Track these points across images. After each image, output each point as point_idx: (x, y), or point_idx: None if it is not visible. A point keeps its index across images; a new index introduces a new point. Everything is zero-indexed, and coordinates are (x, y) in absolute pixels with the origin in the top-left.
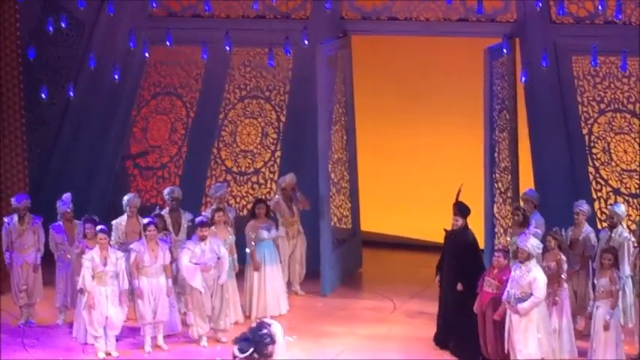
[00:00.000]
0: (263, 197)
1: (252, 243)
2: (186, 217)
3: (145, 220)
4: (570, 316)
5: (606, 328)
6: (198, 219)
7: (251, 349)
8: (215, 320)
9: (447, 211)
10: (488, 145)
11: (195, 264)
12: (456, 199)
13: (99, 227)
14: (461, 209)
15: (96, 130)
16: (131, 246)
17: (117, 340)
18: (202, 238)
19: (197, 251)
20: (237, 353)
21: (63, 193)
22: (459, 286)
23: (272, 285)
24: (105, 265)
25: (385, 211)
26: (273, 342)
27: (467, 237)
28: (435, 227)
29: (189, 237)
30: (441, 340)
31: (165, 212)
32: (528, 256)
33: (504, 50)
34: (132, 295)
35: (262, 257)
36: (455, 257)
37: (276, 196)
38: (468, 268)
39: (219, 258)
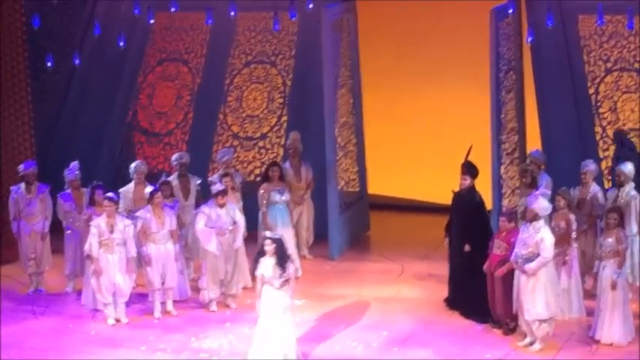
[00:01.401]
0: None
1: (265, 206)
2: (194, 182)
3: (150, 188)
4: (579, 276)
5: (613, 287)
6: (215, 187)
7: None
8: (227, 285)
9: (455, 172)
10: (495, 107)
11: (211, 228)
12: (465, 158)
13: (109, 194)
14: (469, 169)
15: (101, 97)
16: (137, 213)
17: (126, 307)
18: (222, 206)
19: (212, 215)
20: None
21: (70, 161)
22: (467, 247)
23: None
24: (112, 232)
25: (392, 173)
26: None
27: (474, 198)
28: (442, 189)
29: (197, 201)
30: (451, 301)
31: (173, 178)
32: (536, 216)
33: (510, 11)
34: (140, 261)
35: (275, 220)
36: (462, 218)
37: (286, 163)
38: (476, 229)
39: (234, 222)
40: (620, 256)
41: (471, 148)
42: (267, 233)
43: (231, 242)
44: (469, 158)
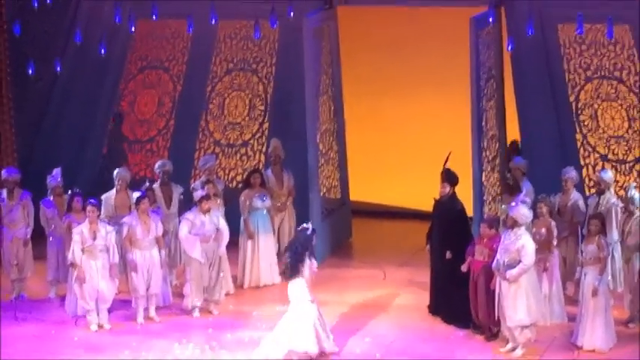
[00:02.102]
0: (258, 167)
1: (246, 212)
2: (177, 190)
3: (137, 194)
4: (560, 282)
5: (594, 294)
6: (198, 193)
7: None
8: (210, 291)
9: (436, 179)
10: (476, 114)
11: (195, 235)
12: (444, 165)
13: (89, 201)
14: (448, 176)
15: (84, 104)
16: (124, 220)
17: (109, 313)
18: (206, 211)
19: (197, 222)
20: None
21: (52, 168)
22: (448, 254)
23: (266, 254)
24: (94, 239)
25: (374, 180)
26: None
27: (455, 205)
28: (423, 195)
29: (180, 210)
30: (433, 308)
31: (155, 186)
32: (516, 223)
33: (490, 19)
34: (123, 267)
35: (256, 226)
36: (443, 225)
37: (268, 170)
38: (457, 236)
39: (218, 229)
40: (602, 263)
41: (449, 154)
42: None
43: (215, 249)
44: (449, 165)
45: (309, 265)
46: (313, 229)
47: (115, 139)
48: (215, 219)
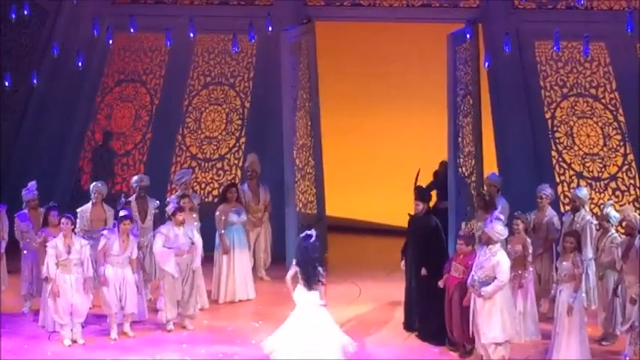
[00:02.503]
0: (234, 182)
1: (222, 227)
2: (153, 204)
3: (123, 213)
4: (534, 299)
5: (569, 312)
6: (170, 206)
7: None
8: (184, 305)
9: (411, 195)
10: (452, 130)
11: (169, 248)
12: (415, 183)
13: (64, 215)
14: (420, 194)
15: (60, 117)
16: (103, 232)
17: (83, 327)
18: (180, 223)
19: (170, 235)
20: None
21: (28, 180)
22: (423, 271)
23: (241, 269)
24: (69, 252)
25: (350, 196)
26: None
27: (429, 221)
28: (399, 212)
29: (155, 224)
30: (408, 325)
31: (131, 199)
32: (490, 240)
33: (467, 36)
34: (98, 282)
35: (232, 241)
36: (418, 242)
37: (244, 185)
38: (432, 253)
39: (192, 243)
40: (577, 280)
41: (419, 172)
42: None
43: (189, 263)
44: (420, 182)
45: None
46: (317, 235)
47: (101, 156)
48: (190, 232)
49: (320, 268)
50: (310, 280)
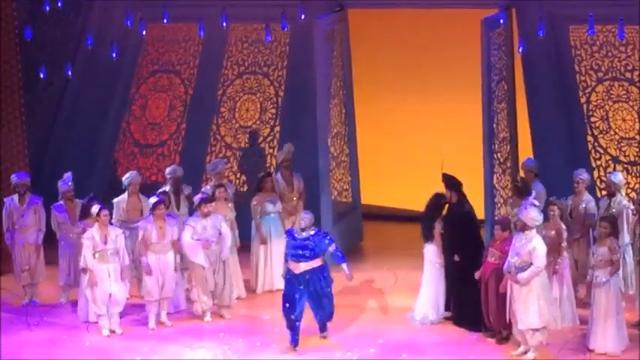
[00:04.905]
0: (270, 171)
1: (258, 216)
2: (187, 190)
3: (153, 199)
4: (571, 285)
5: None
6: (198, 196)
7: None
8: (219, 296)
9: None
10: (487, 116)
11: (197, 240)
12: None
13: (96, 206)
14: (447, 182)
15: (95, 108)
16: (139, 223)
17: (120, 318)
18: (206, 215)
19: (199, 228)
20: None
21: (63, 172)
22: (456, 257)
23: (278, 259)
24: (105, 243)
25: (385, 183)
26: None
27: (463, 208)
28: None
29: (190, 212)
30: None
31: (167, 189)
32: (525, 226)
33: (501, 21)
34: (136, 271)
35: (268, 231)
36: (451, 228)
37: (278, 174)
38: (466, 239)
39: (220, 234)
40: (614, 266)
41: (442, 163)
42: None
43: (218, 254)
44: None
45: (438, 230)
46: (443, 195)
47: (252, 154)
48: (217, 223)
49: (438, 225)
50: (423, 234)
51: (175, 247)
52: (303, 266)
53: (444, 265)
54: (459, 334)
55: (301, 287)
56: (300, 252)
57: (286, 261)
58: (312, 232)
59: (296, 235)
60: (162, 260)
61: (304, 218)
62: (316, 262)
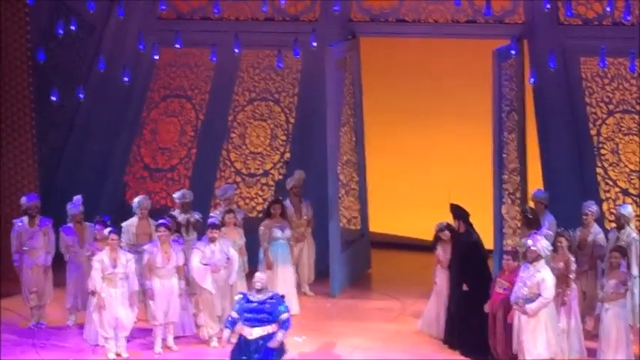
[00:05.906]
0: (279, 198)
1: (266, 242)
2: (194, 216)
3: (157, 222)
4: (579, 317)
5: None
6: (209, 220)
7: None
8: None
9: None
10: (497, 147)
11: (205, 265)
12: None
13: (108, 229)
14: (455, 213)
15: (106, 132)
16: (144, 247)
17: (127, 341)
18: (212, 240)
19: (207, 252)
20: None
21: (73, 195)
22: (464, 287)
23: (284, 285)
24: (114, 267)
25: (394, 212)
26: None
27: (470, 237)
28: None
29: (199, 236)
30: (450, 340)
31: (176, 213)
32: (537, 257)
33: (512, 52)
34: (143, 295)
35: (275, 257)
36: (459, 258)
37: (287, 201)
38: (473, 269)
39: (228, 258)
40: (623, 298)
41: (449, 192)
42: None
43: (226, 278)
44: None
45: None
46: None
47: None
48: (225, 248)
49: None
50: None
51: (180, 273)
52: (257, 332)
53: (448, 295)
54: None
55: (252, 355)
56: (256, 316)
57: (234, 324)
58: (270, 295)
59: (250, 297)
60: (166, 285)
61: (260, 280)
62: (272, 328)
